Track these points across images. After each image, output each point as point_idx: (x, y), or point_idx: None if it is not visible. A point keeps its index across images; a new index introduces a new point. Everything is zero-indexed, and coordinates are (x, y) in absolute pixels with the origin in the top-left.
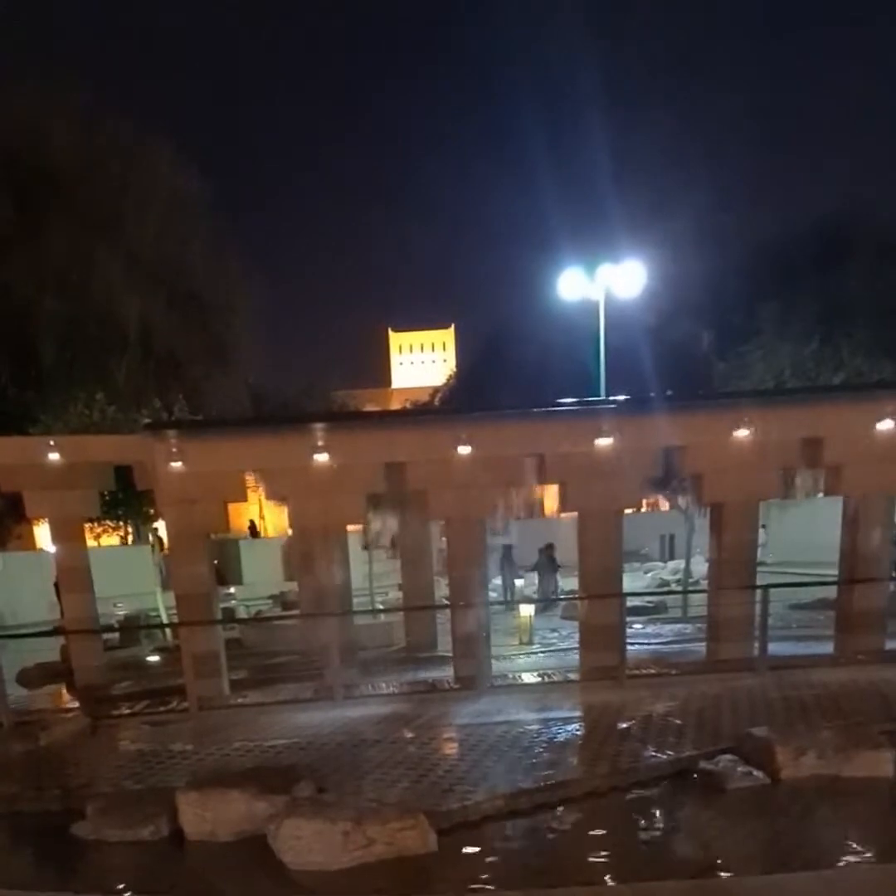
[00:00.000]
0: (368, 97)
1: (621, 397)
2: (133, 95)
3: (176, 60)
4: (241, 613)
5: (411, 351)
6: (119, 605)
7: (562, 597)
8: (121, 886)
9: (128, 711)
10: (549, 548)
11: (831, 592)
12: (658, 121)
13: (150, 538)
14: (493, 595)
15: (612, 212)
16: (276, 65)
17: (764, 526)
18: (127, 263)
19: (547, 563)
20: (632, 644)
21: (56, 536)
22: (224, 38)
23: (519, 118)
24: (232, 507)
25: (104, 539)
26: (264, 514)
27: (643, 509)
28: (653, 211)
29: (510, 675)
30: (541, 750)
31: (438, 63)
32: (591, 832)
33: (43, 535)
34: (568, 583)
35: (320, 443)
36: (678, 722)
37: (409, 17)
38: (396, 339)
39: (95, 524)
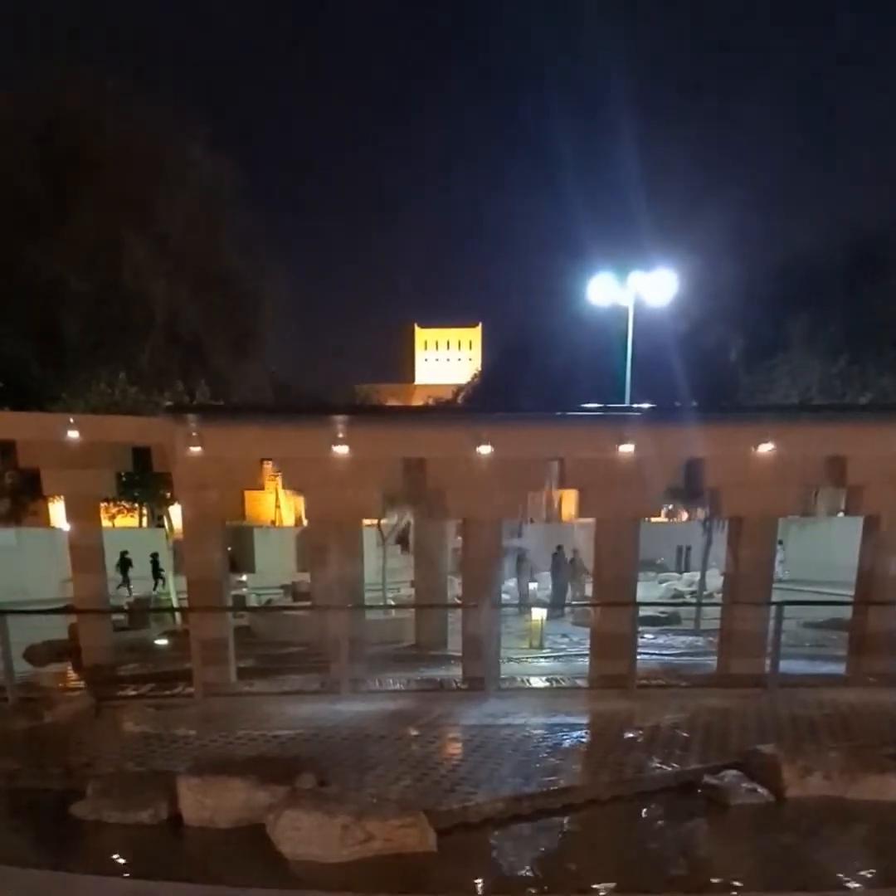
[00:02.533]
0: (405, 96)
1: (645, 405)
2: (170, 80)
3: (215, 48)
4: (252, 602)
5: (437, 347)
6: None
7: (574, 603)
8: (117, 868)
9: (133, 693)
10: (561, 550)
11: (846, 612)
12: (692, 128)
13: (165, 522)
14: (505, 597)
15: (645, 218)
16: (314, 58)
17: (781, 542)
18: (155, 247)
19: (562, 565)
20: (643, 654)
21: (71, 515)
22: (265, 28)
23: (554, 122)
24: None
25: (119, 520)
26: (280, 504)
27: (661, 519)
28: (685, 218)
29: (519, 679)
30: (545, 755)
31: (475, 63)
32: (591, 840)
33: (58, 512)
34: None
35: (340, 435)
36: (685, 734)
37: (450, 16)
38: (422, 334)
39: (111, 504)
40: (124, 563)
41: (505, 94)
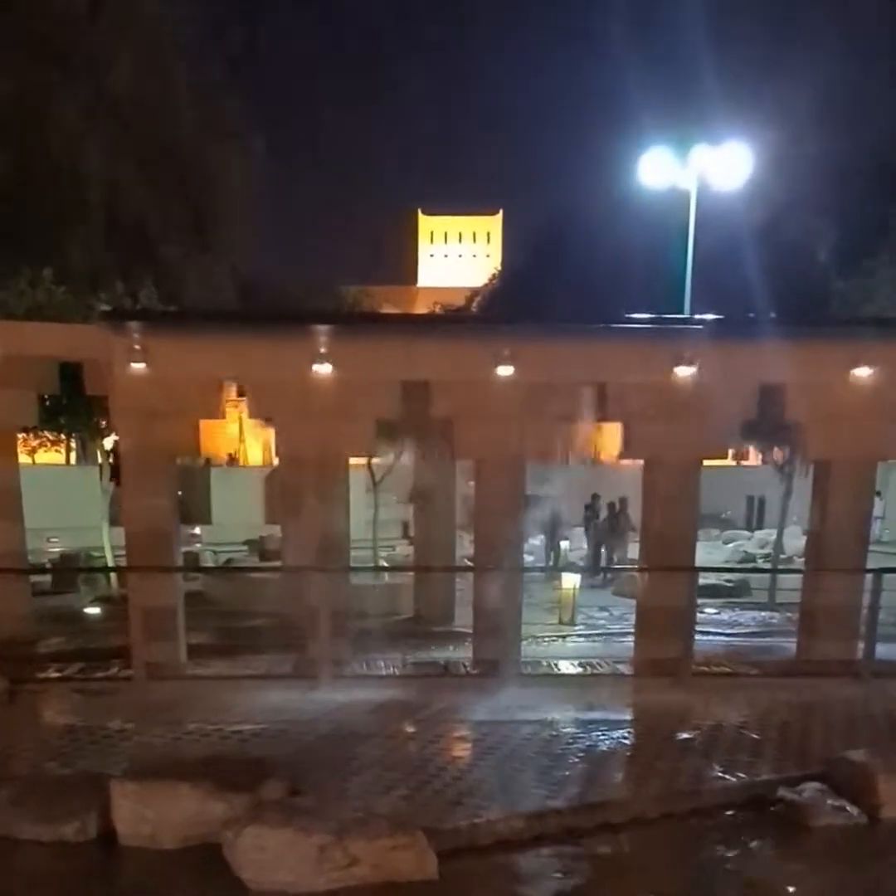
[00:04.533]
0: None
1: (710, 317)
2: None
3: None
4: (208, 561)
5: (446, 240)
6: (54, 540)
7: (616, 567)
8: None
9: (56, 675)
10: (597, 500)
11: None
12: None
13: (99, 458)
14: (529, 559)
15: (711, 78)
16: None
17: (879, 494)
18: (92, 108)
19: (600, 520)
20: (702, 633)
21: None
22: None
23: None
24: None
25: (41, 456)
26: (245, 438)
27: (728, 462)
28: (763, 79)
29: (544, 662)
30: (576, 760)
31: None
32: (634, 869)
33: None
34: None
35: (322, 350)
36: (755, 736)
37: None
38: (427, 224)
39: (31, 436)
40: None
41: None
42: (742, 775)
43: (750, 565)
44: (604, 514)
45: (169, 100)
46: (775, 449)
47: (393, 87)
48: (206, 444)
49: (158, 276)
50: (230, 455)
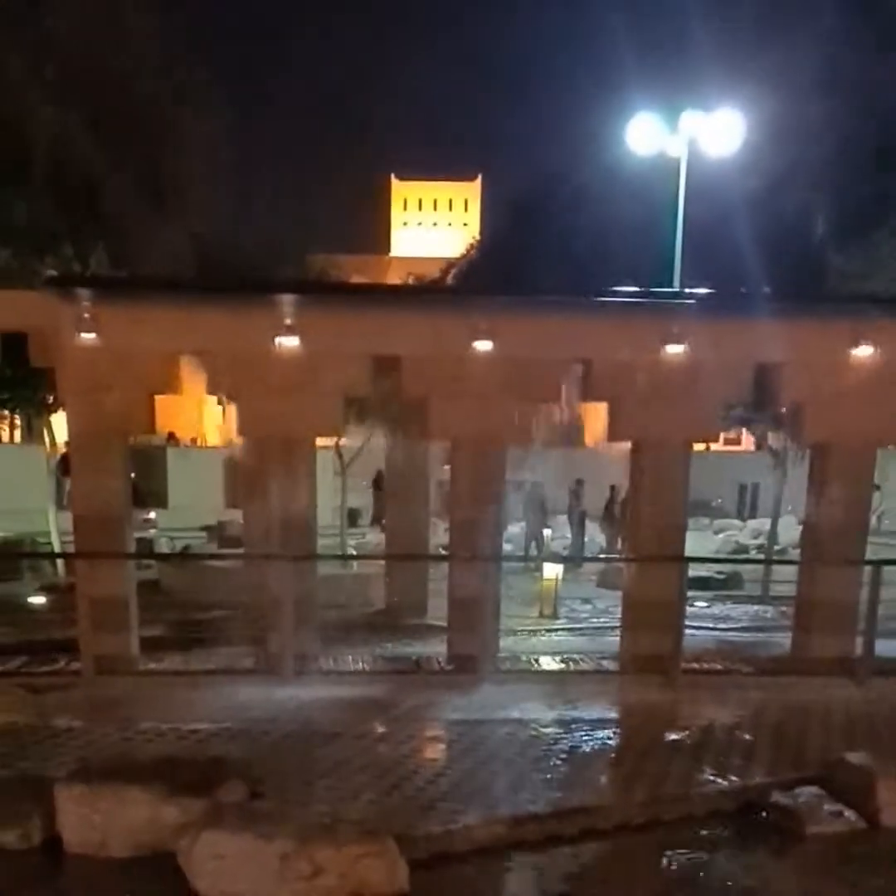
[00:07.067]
0: None
1: (701, 291)
2: None
3: None
4: (164, 548)
5: (420, 208)
6: None
7: (601, 557)
8: None
9: None
10: (581, 485)
11: None
12: None
13: (46, 437)
14: (509, 548)
15: (703, 39)
16: None
17: (879, 487)
18: (39, 57)
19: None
20: (692, 628)
21: None
22: None
23: None
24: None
25: None
26: (204, 416)
27: (719, 447)
28: (760, 41)
29: (524, 658)
30: (558, 762)
31: None
32: (618, 878)
33: None
34: None
35: (287, 321)
36: (748, 737)
37: None
38: (401, 190)
39: None
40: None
41: None
42: (734, 779)
43: (742, 556)
44: (584, 499)
45: (127, 53)
46: (770, 433)
47: (368, 47)
48: (166, 424)
49: (110, 240)
50: (193, 439)
